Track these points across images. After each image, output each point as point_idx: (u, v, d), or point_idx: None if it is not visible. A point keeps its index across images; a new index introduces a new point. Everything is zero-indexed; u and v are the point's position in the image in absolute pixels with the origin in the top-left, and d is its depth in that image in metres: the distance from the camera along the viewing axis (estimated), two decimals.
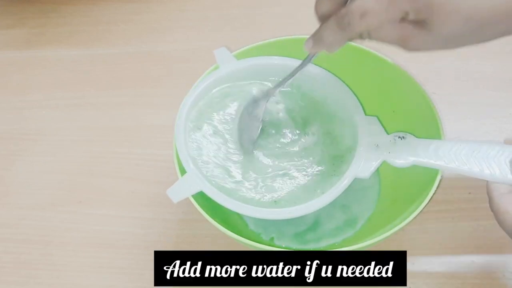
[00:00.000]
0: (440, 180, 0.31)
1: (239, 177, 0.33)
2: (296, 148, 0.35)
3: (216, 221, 0.30)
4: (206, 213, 0.30)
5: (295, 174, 0.33)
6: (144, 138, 0.45)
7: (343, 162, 0.33)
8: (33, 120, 0.47)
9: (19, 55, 0.54)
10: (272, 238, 0.37)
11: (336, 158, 0.34)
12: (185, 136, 0.33)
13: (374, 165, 0.31)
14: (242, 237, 0.29)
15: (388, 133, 0.33)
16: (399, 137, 0.32)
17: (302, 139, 0.35)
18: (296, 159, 0.34)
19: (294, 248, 0.36)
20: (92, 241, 0.38)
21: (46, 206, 0.41)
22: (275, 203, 0.32)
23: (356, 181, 0.39)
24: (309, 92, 0.37)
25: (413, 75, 0.36)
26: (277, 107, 0.36)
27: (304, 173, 0.34)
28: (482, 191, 0.39)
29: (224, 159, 0.34)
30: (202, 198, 0.31)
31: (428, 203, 0.30)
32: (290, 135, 0.35)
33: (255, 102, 0.35)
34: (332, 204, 0.31)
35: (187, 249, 0.37)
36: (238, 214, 0.38)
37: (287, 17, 0.54)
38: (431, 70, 0.44)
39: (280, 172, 0.33)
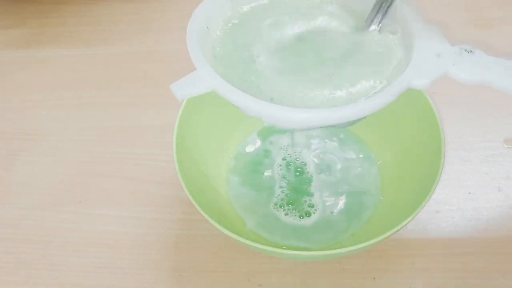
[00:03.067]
0: (440, 180, 0.31)
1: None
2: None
3: (216, 221, 0.30)
4: (206, 213, 0.30)
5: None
6: (144, 138, 0.45)
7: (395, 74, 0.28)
8: (33, 120, 0.47)
9: (19, 55, 0.54)
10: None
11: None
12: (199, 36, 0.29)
13: (434, 73, 0.26)
14: (242, 237, 0.29)
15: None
16: (465, 50, 0.27)
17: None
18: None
19: (294, 248, 0.36)
20: (92, 241, 0.38)
21: (46, 206, 0.41)
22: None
23: (357, 181, 0.39)
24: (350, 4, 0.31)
25: None
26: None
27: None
28: (482, 191, 0.39)
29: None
30: (202, 198, 0.31)
31: (428, 203, 0.30)
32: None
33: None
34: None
35: (187, 249, 0.37)
36: (237, 214, 0.38)
37: None
38: None
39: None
